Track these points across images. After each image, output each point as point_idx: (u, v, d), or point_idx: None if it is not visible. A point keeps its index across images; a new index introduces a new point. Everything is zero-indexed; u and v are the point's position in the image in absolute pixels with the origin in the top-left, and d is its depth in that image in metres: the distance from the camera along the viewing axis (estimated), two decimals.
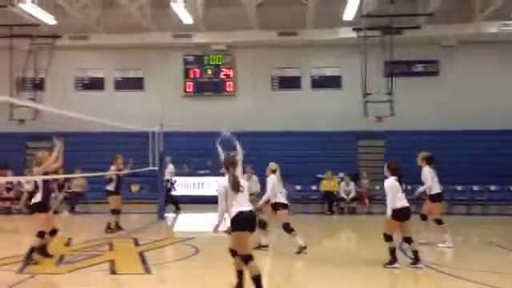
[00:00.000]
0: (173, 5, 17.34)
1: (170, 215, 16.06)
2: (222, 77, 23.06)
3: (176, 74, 23.07)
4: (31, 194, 9.53)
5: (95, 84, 23.25)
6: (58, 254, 9.59)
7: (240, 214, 6.38)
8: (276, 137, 21.72)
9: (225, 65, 23.07)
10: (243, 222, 6.40)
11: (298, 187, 18.84)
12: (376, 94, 21.55)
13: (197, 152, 19.85)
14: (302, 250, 9.59)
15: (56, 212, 17.07)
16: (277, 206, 9.81)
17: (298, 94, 22.87)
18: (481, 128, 20.74)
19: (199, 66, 23.08)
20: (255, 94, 22.85)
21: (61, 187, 17.86)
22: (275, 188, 9.78)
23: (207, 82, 23.09)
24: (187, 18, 18.79)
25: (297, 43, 22.26)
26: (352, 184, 18.10)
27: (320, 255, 9.71)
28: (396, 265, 8.38)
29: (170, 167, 17.38)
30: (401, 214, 8.41)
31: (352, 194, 17.84)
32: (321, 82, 22.96)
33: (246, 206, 6.47)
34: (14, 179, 15.89)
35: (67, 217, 16.90)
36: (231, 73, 23.06)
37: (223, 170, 6.77)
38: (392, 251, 8.46)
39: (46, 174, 9.01)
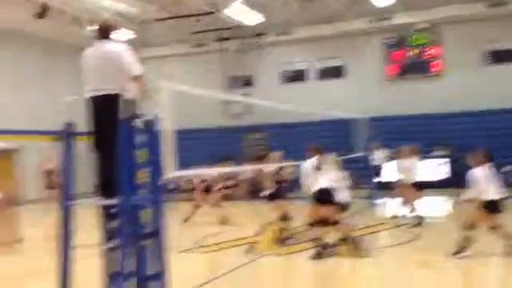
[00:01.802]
0: None
1: (380, 201, 15.81)
2: (427, 56, 22.00)
3: (376, 58, 22.69)
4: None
5: (298, 76, 24.02)
6: (281, 237, 10.15)
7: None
8: (486, 116, 20.06)
9: (429, 44, 21.97)
10: None
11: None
12: None
13: (405, 136, 19.28)
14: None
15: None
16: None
17: None
18: None
19: (401, 47, 22.36)
20: (464, 71, 21.33)
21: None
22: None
23: (410, 63, 22.26)
24: (384, 1, 18.44)
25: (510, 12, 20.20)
26: None
27: None
28: None
29: (379, 152, 17.12)
30: None
31: None
32: None
33: None
34: (234, 169, 17.02)
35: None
36: (437, 52, 21.87)
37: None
38: None
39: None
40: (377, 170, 16.81)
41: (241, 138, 23.49)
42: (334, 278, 7.56)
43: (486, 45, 21.17)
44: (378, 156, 16.97)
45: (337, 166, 9.07)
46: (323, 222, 8.13)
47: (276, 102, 15.21)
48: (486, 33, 20.94)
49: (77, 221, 5.23)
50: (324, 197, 8.22)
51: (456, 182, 18.25)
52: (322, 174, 8.34)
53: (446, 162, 19.42)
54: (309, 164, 8.39)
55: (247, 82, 24.27)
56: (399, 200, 12.32)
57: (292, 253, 8.77)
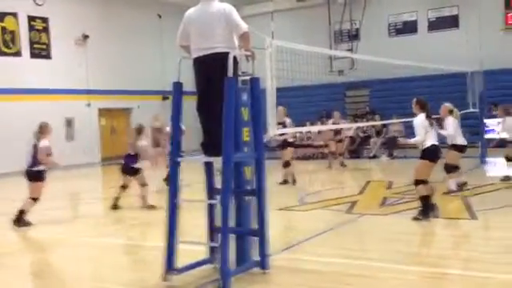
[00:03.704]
0: None
1: (492, 159, 15.00)
2: None
3: (496, 5, 21.05)
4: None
5: (408, 28, 22.98)
6: (382, 197, 10.05)
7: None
8: None
9: None
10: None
11: None
12: None
13: None
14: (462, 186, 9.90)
15: (375, 156, 17.85)
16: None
17: None
18: None
19: None
20: None
21: (379, 133, 18.51)
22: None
23: None
24: None
25: None
26: None
27: None
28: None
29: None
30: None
31: None
32: None
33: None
34: (338, 126, 16.89)
35: (386, 161, 17.43)
36: None
37: None
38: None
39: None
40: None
41: (344, 95, 23.17)
42: (431, 238, 7.39)
43: None
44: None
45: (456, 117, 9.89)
46: (426, 182, 7.88)
47: (384, 57, 14.74)
48: None
49: (185, 177, 5.54)
50: (433, 154, 7.90)
51: None
52: (434, 130, 8.03)
53: None
54: (420, 120, 7.95)
55: (354, 36, 23.65)
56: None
57: (394, 212, 8.63)
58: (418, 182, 7.89)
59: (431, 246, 6.94)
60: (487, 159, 14.89)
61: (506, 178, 11.28)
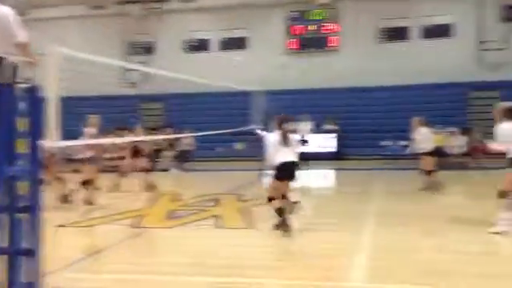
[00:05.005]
0: None
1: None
2: (325, 31, 22.68)
3: (279, 31, 23.01)
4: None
5: (202, 45, 23.80)
6: (169, 209, 10.18)
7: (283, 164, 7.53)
8: (383, 91, 21.20)
9: (328, 19, 22.63)
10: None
11: (403, 143, 18.18)
12: (491, 41, 20.19)
13: (302, 109, 19.84)
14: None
15: (165, 170, 18.01)
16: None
17: (406, 45, 21.99)
18: None
19: (302, 22, 22.82)
20: (360, 48, 22.23)
21: (171, 146, 18.76)
22: None
23: (310, 38, 22.82)
24: None
25: None
26: (462, 138, 17.19)
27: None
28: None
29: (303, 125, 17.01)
30: None
31: (461, 149, 16.99)
32: (430, 32, 21.86)
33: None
34: (127, 139, 16.62)
35: (176, 174, 17.70)
36: (335, 27, 22.58)
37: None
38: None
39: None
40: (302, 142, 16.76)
41: (138, 108, 23.07)
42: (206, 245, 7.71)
43: (380, 22, 22.18)
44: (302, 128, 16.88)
45: None
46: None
47: (176, 72, 14.99)
48: (381, 11, 21.90)
49: None
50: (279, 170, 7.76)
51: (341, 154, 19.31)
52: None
53: (334, 137, 20.18)
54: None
55: (148, 50, 23.70)
56: None
57: (181, 225, 8.80)
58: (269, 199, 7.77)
59: (217, 255, 7.18)
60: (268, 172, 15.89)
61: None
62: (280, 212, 7.63)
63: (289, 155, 7.68)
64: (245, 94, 16.57)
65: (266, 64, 22.24)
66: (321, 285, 5.48)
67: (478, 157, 16.63)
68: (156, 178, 13.45)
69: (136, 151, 13.42)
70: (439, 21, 21.82)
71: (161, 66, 17.81)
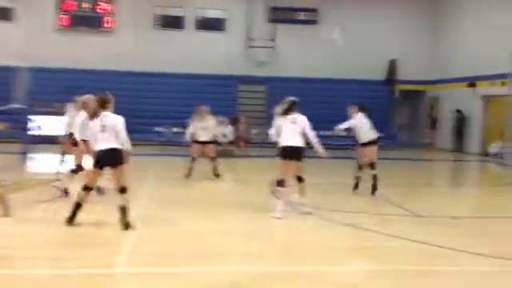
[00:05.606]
0: None
1: (33, 155, 14.72)
2: (100, 11, 21.79)
3: (49, 5, 21.39)
4: None
5: None
6: None
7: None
8: (158, 78, 21.27)
9: None
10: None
11: (175, 129, 18.45)
12: (259, 39, 21.70)
13: (73, 90, 18.71)
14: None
15: None
16: None
17: (182, 35, 22.36)
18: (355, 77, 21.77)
19: None
20: (138, 32, 21.89)
21: None
22: None
23: (83, 15, 21.70)
24: None
25: None
26: (230, 127, 18.05)
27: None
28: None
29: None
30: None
31: (228, 138, 17.82)
32: (205, 24, 22.60)
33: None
34: None
35: None
36: (110, 8, 21.84)
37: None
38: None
39: None
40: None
41: None
42: None
43: (156, 9, 22.15)
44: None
45: None
46: None
47: None
48: None
49: None
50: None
51: None
52: None
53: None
54: None
55: None
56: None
57: None
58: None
59: None
60: (31, 155, 14.54)
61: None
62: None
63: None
64: (6, 70, 14.89)
65: (32, 38, 20.46)
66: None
67: (243, 145, 17.73)
68: None
69: None
70: (213, 14, 22.69)
71: None
